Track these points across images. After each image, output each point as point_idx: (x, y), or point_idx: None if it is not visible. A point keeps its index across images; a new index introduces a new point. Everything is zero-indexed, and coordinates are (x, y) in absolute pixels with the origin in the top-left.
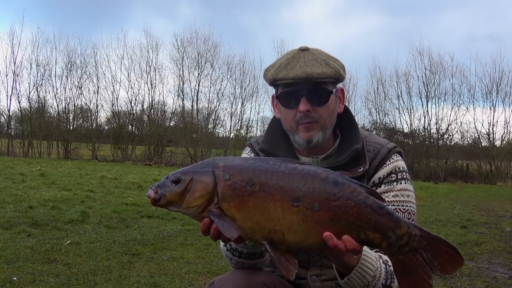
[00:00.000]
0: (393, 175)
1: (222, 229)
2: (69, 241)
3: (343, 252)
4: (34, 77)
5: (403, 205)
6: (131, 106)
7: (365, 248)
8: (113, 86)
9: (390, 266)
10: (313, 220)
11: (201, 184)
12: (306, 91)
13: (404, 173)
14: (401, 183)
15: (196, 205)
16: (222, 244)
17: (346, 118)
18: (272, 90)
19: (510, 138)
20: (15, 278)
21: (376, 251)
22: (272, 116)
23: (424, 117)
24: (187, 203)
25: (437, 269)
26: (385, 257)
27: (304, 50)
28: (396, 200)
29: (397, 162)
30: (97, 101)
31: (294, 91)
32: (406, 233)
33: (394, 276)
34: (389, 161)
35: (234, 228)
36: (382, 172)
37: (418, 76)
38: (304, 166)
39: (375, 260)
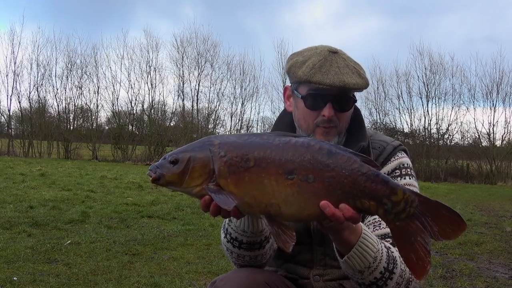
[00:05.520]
0: (397, 171)
1: (219, 202)
2: (69, 241)
3: (341, 220)
4: (35, 77)
5: None
6: (131, 106)
7: (365, 229)
8: (113, 86)
9: (392, 252)
10: (308, 191)
11: (199, 163)
12: (334, 97)
13: (408, 169)
14: (405, 178)
15: (195, 185)
16: (223, 236)
17: (354, 117)
18: (274, 85)
19: (510, 138)
20: (15, 278)
21: (374, 223)
22: (271, 114)
23: (424, 117)
24: (186, 183)
25: (438, 235)
26: (388, 244)
27: (334, 52)
28: None
29: (402, 159)
30: (97, 101)
31: (322, 95)
32: (402, 199)
33: (396, 262)
34: (394, 158)
35: (231, 198)
36: (386, 168)
37: (418, 76)
38: (298, 139)
39: (376, 241)
